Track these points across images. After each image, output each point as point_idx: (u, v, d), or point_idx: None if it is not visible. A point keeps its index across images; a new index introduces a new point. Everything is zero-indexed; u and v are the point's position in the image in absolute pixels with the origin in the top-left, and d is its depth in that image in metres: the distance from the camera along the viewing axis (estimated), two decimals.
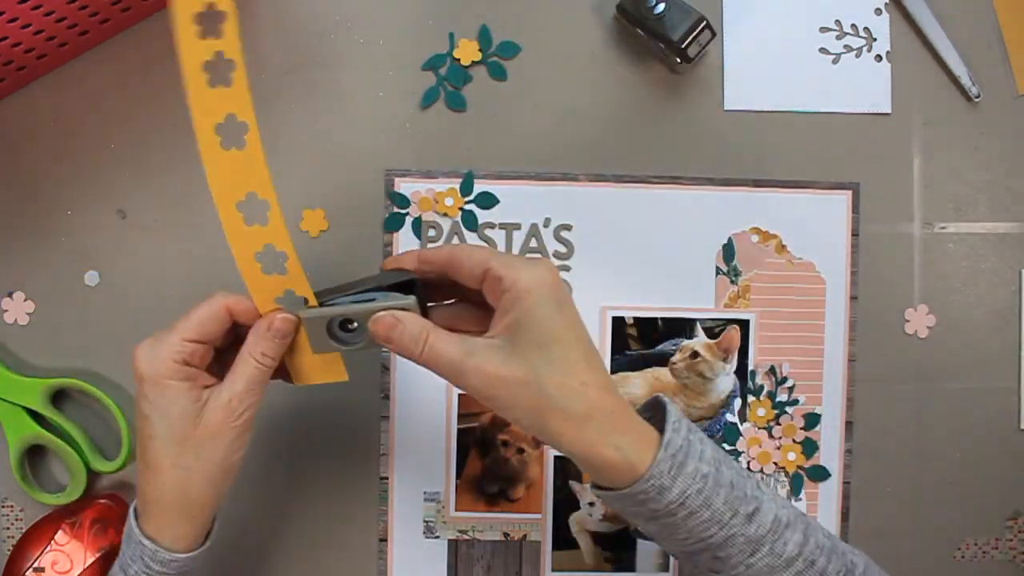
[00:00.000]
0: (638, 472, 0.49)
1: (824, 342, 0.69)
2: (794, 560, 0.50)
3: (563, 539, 0.69)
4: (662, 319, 0.69)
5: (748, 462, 0.69)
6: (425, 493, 0.68)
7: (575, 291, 0.68)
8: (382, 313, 0.51)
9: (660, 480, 0.48)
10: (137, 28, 0.67)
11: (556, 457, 0.69)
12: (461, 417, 0.68)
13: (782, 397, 0.69)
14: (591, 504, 0.69)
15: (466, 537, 0.69)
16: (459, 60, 0.68)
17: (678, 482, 0.49)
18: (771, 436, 0.69)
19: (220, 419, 0.52)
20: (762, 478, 0.69)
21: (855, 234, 0.69)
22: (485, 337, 0.51)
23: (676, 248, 0.69)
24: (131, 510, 0.55)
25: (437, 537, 0.68)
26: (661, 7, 0.64)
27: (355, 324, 0.53)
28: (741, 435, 0.69)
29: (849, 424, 0.70)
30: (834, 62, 0.69)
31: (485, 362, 0.49)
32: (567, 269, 0.69)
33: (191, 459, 0.52)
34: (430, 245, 0.67)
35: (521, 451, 0.69)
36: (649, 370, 0.69)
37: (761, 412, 0.69)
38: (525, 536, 0.69)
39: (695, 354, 0.69)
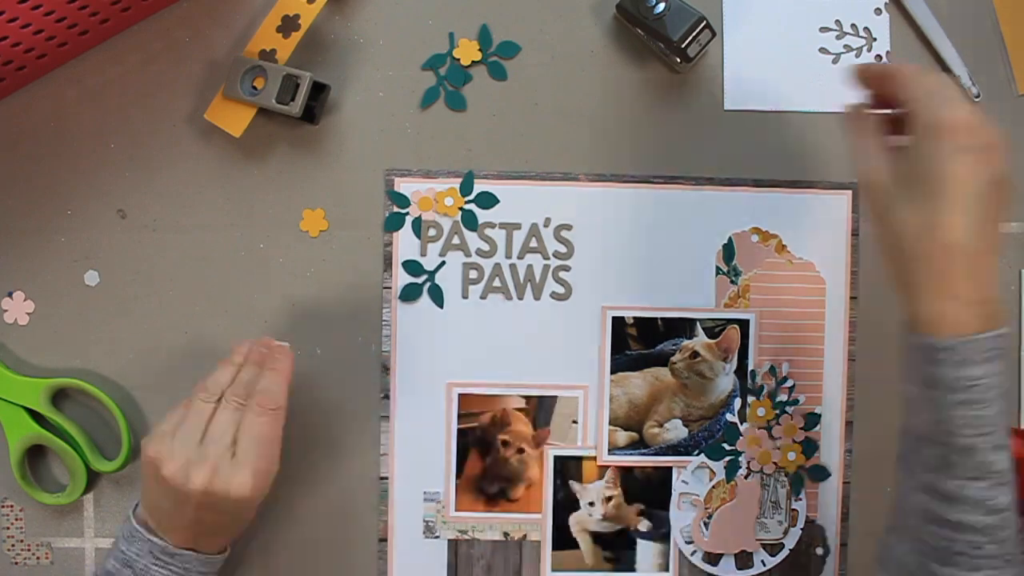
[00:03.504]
0: (943, 332, 0.51)
1: (824, 342, 0.69)
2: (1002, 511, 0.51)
3: (563, 539, 0.69)
4: (662, 319, 0.69)
5: (748, 462, 0.69)
6: (425, 493, 0.68)
7: (575, 291, 0.69)
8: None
9: (969, 353, 0.50)
10: (137, 28, 0.67)
11: (556, 457, 0.69)
12: (461, 417, 0.68)
13: (782, 397, 0.69)
14: (591, 504, 0.69)
15: (466, 537, 0.69)
16: (459, 60, 0.68)
17: (987, 366, 0.50)
18: (771, 436, 0.69)
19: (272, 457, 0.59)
20: (762, 478, 0.69)
21: (855, 234, 0.69)
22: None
23: (676, 248, 0.69)
24: (131, 513, 0.55)
25: (437, 537, 0.68)
26: (661, 7, 0.64)
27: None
28: (741, 435, 0.69)
29: (849, 424, 0.70)
30: (834, 62, 0.69)
31: (882, 193, 0.53)
32: (567, 269, 0.69)
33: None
34: None
35: (521, 451, 0.69)
36: (649, 370, 0.69)
37: (761, 412, 0.69)
38: (525, 536, 0.69)
39: (695, 354, 0.69)
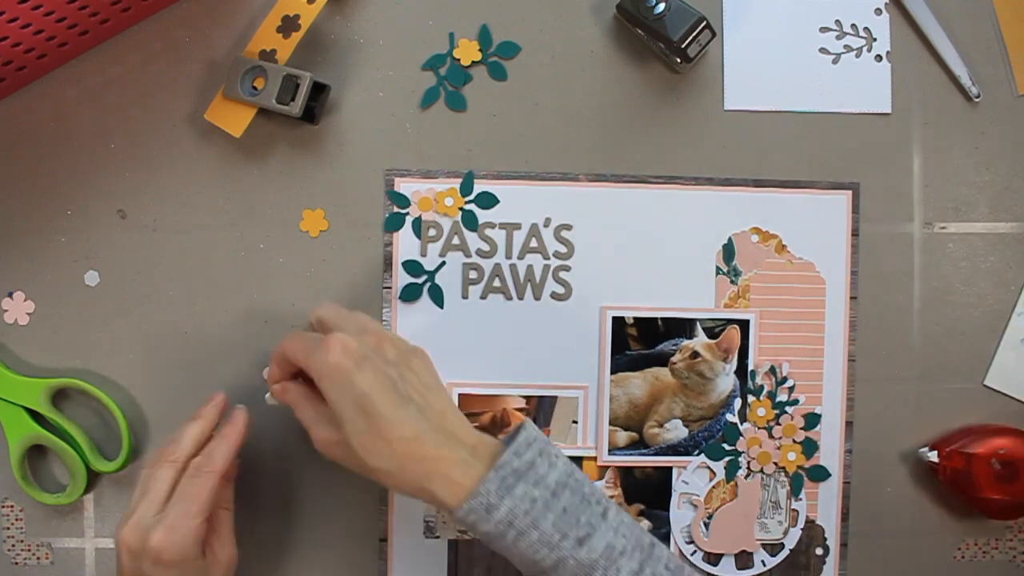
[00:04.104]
0: (460, 500, 0.52)
1: (824, 342, 0.69)
2: None
3: None
4: (662, 319, 0.69)
5: (748, 462, 0.69)
6: None
7: (575, 291, 0.69)
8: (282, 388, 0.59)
9: (488, 498, 0.52)
10: (137, 28, 0.67)
11: None
12: None
13: (782, 397, 0.69)
14: None
15: (466, 537, 0.69)
16: (459, 60, 0.68)
17: (505, 502, 0.52)
18: (771, 436, 0.69)
19: (224, 573, 0.60)
20: (762, 478, 0.69)
21: (855, 234, 0.69)
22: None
23: (676, 248, 0.69)
24: None
25: (437, 537, 0.68)
26: (661, 7, 0.64)
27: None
28: (741, 435, 0.69)
29: (849, 424, 0.70)
30: (834, 62, 0.69)
31: (323, 430, 0.56)
32: (567, 269, 0.69)
33: None
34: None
35: None
36: (649, 370, 0.69)
37: (761, 412, 0.69)
38: None
39: (695, 354, 0.69)
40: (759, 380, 0.69)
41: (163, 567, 0.56)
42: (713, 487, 0.69)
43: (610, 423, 0.69)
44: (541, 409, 0.69)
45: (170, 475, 0.58)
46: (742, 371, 0.69)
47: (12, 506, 0.68)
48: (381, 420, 0.53)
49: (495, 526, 0.52)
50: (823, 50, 0.69)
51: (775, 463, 0.69)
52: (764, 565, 0.69)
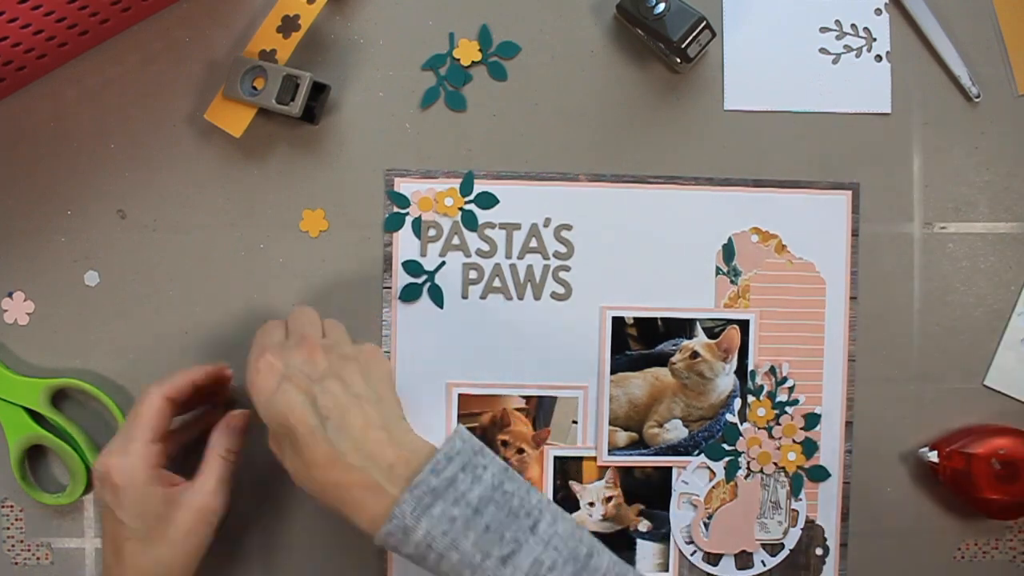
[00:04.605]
0: (381, 519, 0.51)
1: (824, 342, 0.69)
2: None
3: None
4: (662, 319, 0.69)
5: (748, 462, 0.69)
6: None
7: (575, 291, 0.69)
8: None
9: (404, 521, 0.51)
10: (137, 28, 0.67)
11: (556, 457, 0.69)
12: (461, 417, 0.68)
13: (782, 397, 0.69)
14: (591, 504, 0.69)
15: None
16: (459, 60, 0.68)
17: (422, 523, 0.51)
18: (771, 436, 0.69)
19: (194, 518, 0.57)
20: (762, 478, 0.69)
21: (855, 234, 0.69)
22: None
23: (676, 248, 0.69)
24: None
25: None
26: (661, 7, 0.64)
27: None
28: (741, 435, 0.69)
29: (849, 424, 0.70)
30: (834, 62, 0.69)
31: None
32: (567, 269, 0.69)
33: (167, 554, 0.56)
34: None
35: (521, 451, 0.69)
36: (649, 370, 0.69)
37: (761, 412, 0.69)
38: None
39: (695, 354, 0.69)
40: (759, 380, 0.69)
41: (112, 491, 0.56)
42: (713, 487, 0.69)
43: (610, 423, 0.69)
44: (541, 409, 0.69)
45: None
46: (742, 371, 0.69)
47: (12, 506, 0.68)
48: (299, 443, 0.53)
49: (415, 548, 0.51)
50: (823, 50, 0.69)
51: (775, 463, 0.69)
52: (764, 565, 0.69)
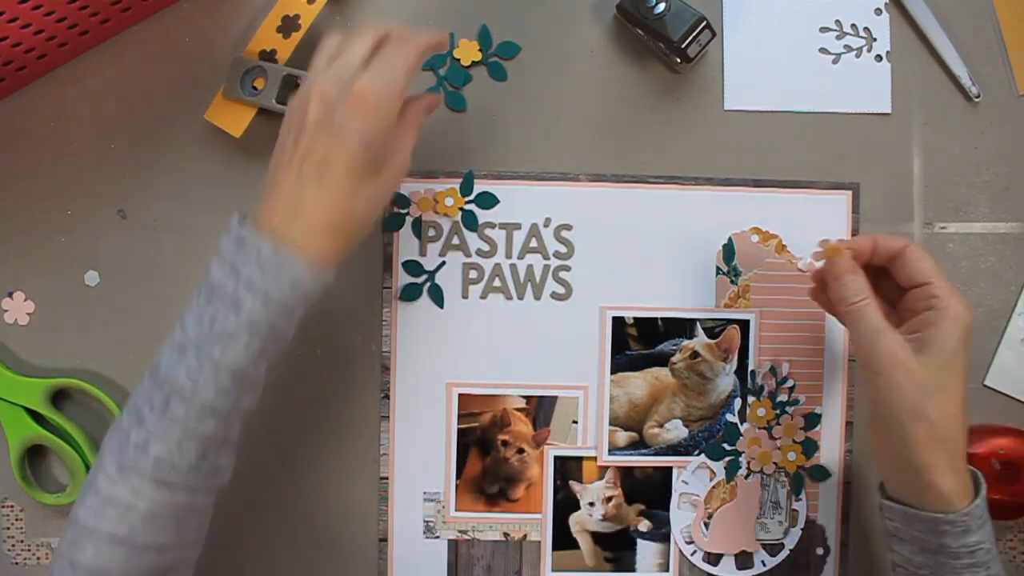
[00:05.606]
0: (955, 507, 0.55)
1: (824, 342, 0.69)
2: None
3: (563, 539, 0.69)
4: (662, 319, 0.69)
5: (748, 462, 0.69)
6: (425, 493, 0.68)
7: (575, 291, 0.69)
8: (842, 258, 0.60)
9: (971, 522, 0.55)
10: (137, 28, 0.67)
11: (556, 457, 0.69)
12: (461, 417, 0.68)
13: (782, 397, 0.69)
14: (591, 504, 0.69)
15: (466, 537, 0.69)
16: (459, 60, 0.68)
17: (982, 532, 0.55)
18: (771, 436, 0.69)
19: (397, 172, 0.57)
20: (762, 478, 0.69)
21: (855, 234, 0.69)
22: (898, 331, 0.57)
23: (676, 248, 0.69)
24: (235, 222, 0.55)
25: (437, 537, 0.68)
26: (661, 7, 0.64)
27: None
28: (741, 435, 0.69)
29: (849, 424, 0.70)
30: (834, 62, 0.69)
31: (898, 346, 0.56)
32: (567, 269, 0.69)
33: (370, 191, 0.56)
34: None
35: (521, 451, 0.69)
36: (649, 370, 0.69)
37: (761, 412, 0.69)
38: (525, 536, 0.69)
39: (695, 354, 0.69)
40: (759, 380, 0.69)
41: (360, 113, 0.53)
42: (713, 487, 0.69)
43: (610, 423, 0.69)
44: (541, 409, 0.69)
45: (369, 42, 0.56)
46: (742, 371, 0.69)
47: (12, 506, 0.68)
48: (966, 395, 0.57)
49: (960, 546, 0.56)
50: (823, 50, 0.69)
51: (775, 463, 0.69)
52: (764, 565, 0.69)
